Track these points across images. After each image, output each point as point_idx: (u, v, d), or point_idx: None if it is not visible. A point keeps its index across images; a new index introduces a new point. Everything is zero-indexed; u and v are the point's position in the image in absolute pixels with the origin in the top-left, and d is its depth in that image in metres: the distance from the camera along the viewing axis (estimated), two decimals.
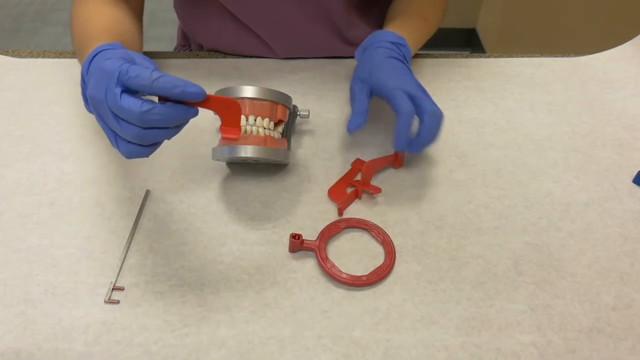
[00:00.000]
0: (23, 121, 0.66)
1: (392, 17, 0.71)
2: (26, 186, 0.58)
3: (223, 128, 0.46)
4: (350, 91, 0.60)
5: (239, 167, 0.61)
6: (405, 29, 0.67)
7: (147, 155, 0.46)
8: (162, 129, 0.44)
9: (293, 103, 0.63)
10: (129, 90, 0.43)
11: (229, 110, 0.45)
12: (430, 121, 0.54)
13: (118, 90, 0.43)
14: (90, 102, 0.45)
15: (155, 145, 0.46)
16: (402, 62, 0.61)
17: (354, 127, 0.57)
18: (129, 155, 0.46)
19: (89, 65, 0.48)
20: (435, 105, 0.55)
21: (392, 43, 0.62)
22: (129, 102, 0.42)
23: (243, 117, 0.55)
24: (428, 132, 0.55)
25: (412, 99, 0.56)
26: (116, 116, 0.43)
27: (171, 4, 0.85)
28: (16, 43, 2.30)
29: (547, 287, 0.51)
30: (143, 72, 0.42)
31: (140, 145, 0.45)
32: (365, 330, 0.48)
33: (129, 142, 0.45)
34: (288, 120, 0.61)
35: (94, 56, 0.49)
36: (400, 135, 0.54)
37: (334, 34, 0.76)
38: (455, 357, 0.46)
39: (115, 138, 0.46)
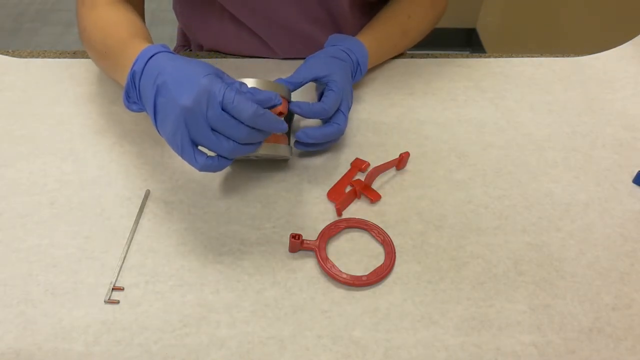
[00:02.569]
0: (23, 121, 0.66)
1: (373, 24, 0.73)
2: (26, 186, 0.58)
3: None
4: (308, 62, 0.63)
5: (240, 166, 0.61)
6: (376, 42, 0.70)
7: (220, 170, 0.49)
8: (251, 145, 0.49)
9: (291, 99, 0.63)
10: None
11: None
12: (331, 128, 0.59)
13: (219, 107, 0.46)
14: (183, 113, 0.46)
15: (232, 160, 0.50)
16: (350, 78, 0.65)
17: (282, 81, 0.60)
18: (205, 169, 0.48)
19: (145, 65, 0.50)
20: (343, 124, 0.60)
21: (358, 64, 0.67)
22: (243, 102, 0.46)
23: None
24: (320, 133, 0.58)
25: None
26: (213, 130, 0.47)
27: (171, 4, 0.85)
28: (16, 43, 2.30)
29: (547, 287, 0.51)
30: (248, 106, 0.46)
31: (223, 158, 0.49)
32: (365, 330, 0.48)
33: (208, 157, 0.48)
34: (287, 116, 0.61)
35: (151, 57, 0.50)
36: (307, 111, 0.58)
37: (333, 33, 0.76)
38: (455, 357, 0.46)
39: (193, 150, 0.48)
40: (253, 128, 0.47)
